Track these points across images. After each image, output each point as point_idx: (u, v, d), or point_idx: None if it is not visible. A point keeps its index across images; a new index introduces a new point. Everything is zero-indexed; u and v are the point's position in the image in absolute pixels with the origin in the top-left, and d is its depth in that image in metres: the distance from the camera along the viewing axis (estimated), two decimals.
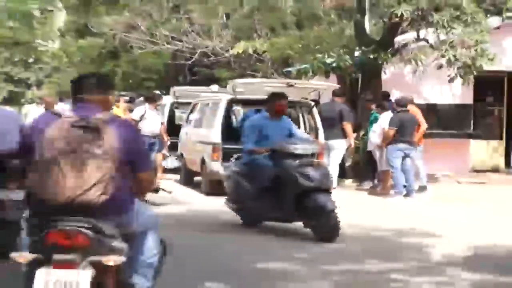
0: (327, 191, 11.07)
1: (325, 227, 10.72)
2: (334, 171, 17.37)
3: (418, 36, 20.33)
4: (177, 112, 21.90)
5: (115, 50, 37.91)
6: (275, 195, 11.27)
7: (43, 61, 53.40)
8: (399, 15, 19.25)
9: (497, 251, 10.45)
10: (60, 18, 52.36)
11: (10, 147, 9.20)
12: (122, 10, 31.51)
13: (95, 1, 33.75)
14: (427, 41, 20.04)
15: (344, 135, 17.98)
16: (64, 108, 17.96)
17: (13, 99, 50.11)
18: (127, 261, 5.63)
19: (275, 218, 11.73)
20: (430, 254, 10.36)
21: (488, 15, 21.75)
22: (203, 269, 9.02)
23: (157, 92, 23.05)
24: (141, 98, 24.05)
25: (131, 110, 20.07)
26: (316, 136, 16.55)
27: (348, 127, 18.03)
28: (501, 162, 22.98)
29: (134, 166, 5.78)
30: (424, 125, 18.37)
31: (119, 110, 21.52)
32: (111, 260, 5.27)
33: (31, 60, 53.64)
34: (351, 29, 21.57)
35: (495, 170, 22.44)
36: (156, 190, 6.66)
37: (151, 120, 17.60)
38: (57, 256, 5.20)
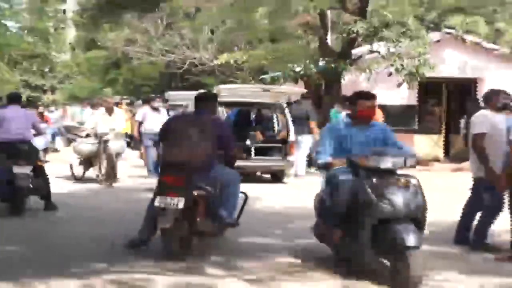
0: (416, 220, 7.19)
1: (401, 269, 6.85)
2: (302, 161, 17.47)
3: (371, 48, 20.43)
4: (171, 113, 21.87)
5: (117, 61, 37.84)
6: (351, 223, 7.43)
7: (56, 70, 53.22)
8: (355, 31, 19.40)
9: (439, 225, 10.47)
10: (71, 34, 52.25)
11: (22, 137, 11.58)
12: (123, 27, 31.37)
13: (100, 20, 33.59)
14: (379, 52, 20.14)
15: (311, 132, 18.01)
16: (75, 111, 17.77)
17: (31, 103, 49.79)
18: (217, 201, 8.42)
19: (352, 255, 7.55)
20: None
21: (429, 31, 21.87)
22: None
23: (155, 95, 22.97)
24: (140, 101, 23.97)
25: (131, 110, 20.05)
26: (287, 133, 16.55)
27: (313, 124, 18.09)
28: (440, 153, 23.13)
29: (225, 148, 8.77)
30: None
31: (122, 110, 21.45)
32: (196, 193, 8.09)
33: (46, 69, 53.40)
34: (316, 43, 21.61)
35: (436, 159, 22.58)
36: None
37: (151, 120, 17.34)
38: (166, 189, 8.04)
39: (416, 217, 7.18)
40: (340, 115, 17.78)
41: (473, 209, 9.08)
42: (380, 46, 20.24)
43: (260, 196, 12.65)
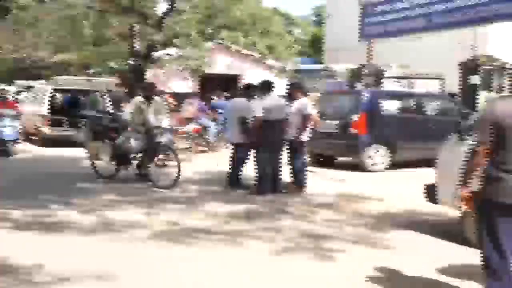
0: None
1: None
2: None
3: (166, 52, 20.72)
4: (20, 95, 21.12)
5: None
6: None
7: None
8: (155, 39, 19.59)
9: (213, 173, 11.04)
10: None
11: None
12: None
13: None
14: (171, 55, 20.48)
15: (122, 108, 18.07)
16: None
17: None
18: None
19: None
20: (172, 176, 9.88)
21: (207, 41, 22.53)
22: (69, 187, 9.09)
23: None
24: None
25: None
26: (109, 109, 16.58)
27: (124, 104, 18.16)
28: None
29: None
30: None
31: None
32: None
33: None
34: (127, 47, 21.54)
35: None
36: None
37: None
38: None
39: None
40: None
41: (233, 161, 9.85)
42: (172, 51, 20.60)
43: None
